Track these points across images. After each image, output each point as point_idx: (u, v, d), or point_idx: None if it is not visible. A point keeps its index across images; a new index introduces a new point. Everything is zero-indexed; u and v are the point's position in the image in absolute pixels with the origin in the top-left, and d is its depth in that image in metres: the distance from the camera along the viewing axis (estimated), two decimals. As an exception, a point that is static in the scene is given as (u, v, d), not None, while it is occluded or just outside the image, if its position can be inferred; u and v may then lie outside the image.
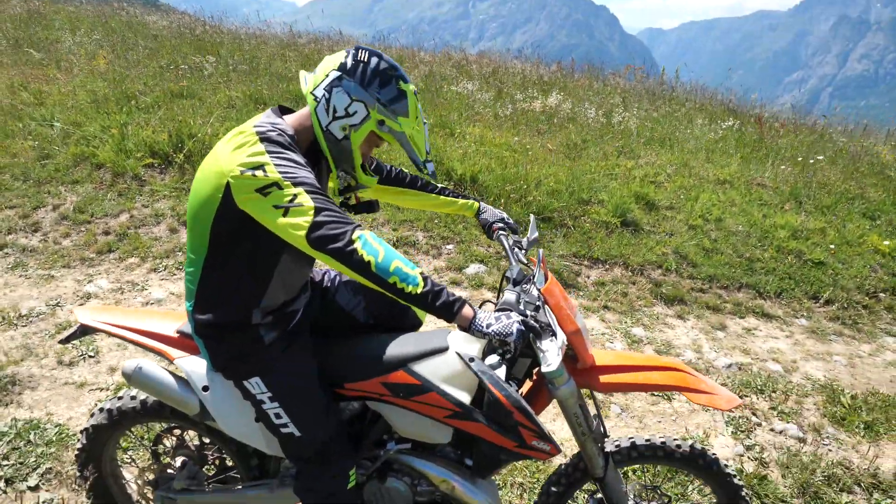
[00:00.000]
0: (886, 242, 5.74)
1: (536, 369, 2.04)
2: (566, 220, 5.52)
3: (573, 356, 1.93)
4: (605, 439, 2.10)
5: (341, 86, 1.68)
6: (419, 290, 1.55)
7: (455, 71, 10.85)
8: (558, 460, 2.86)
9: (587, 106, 9.08)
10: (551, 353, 1.64)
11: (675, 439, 2.17)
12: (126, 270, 4.53)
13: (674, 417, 3.53)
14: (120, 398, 2.16)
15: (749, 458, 3.26)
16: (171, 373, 2.01)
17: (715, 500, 2.29)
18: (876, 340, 4.76)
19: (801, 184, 7.00)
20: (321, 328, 2.06)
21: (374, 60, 1.71)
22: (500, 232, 2.28)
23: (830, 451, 3.37)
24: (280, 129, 1.68)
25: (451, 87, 9.31)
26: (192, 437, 2.32)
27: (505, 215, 2.35)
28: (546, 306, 1.83)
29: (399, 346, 1.97)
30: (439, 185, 2.33)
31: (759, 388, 3.88)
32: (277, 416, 1.82)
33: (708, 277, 5.10)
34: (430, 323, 3.33)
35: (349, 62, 1.70)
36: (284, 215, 1.53)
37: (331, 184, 1.97)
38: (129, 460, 2.61)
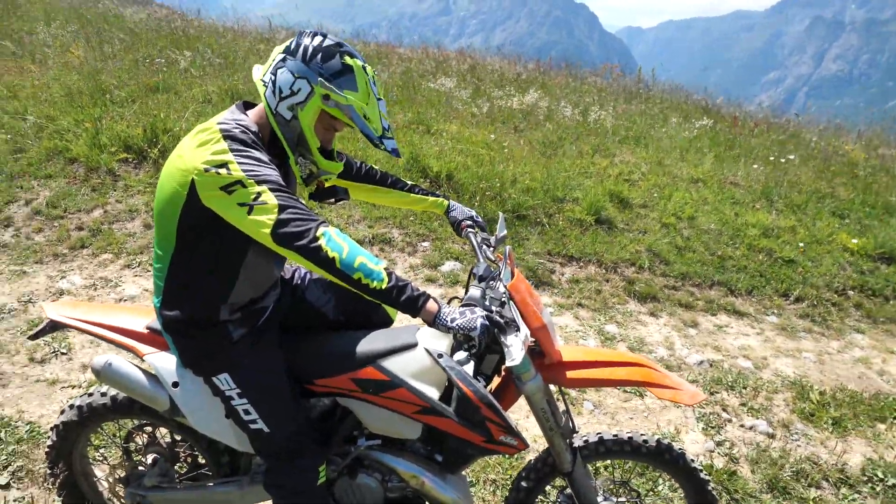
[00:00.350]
0: (855, 241, 5.87)
1: (504, 365, 2.07)
2: (541, 218, 5.57)
3: (540, 352, 1.97)
4: (574, 435, 2.14)
5: (285, 65, 1.68)
6: (384, 286, 1.57)
7: (433, 67, 10.85)
8: (530, 457, 2.90)
9: (564, 104, 9.14)
10: (515, 348, 1.67)
11: (641, 434, 2.22)
12: (99, 266, 4.49)
13: (646, 414, 3.60)
14: (90, 395, 2.15)
15: (719, 453, 3.33)
16: (141, 369, 2.01)
17: (684, 495, 2.35)
18: (844, 337, 4.88)
19: (773, 183, 7.13)
20: (291, 325, 2.07)
21: (318, 39, 1.70)
22: (469, 229, 2.31)
23: (799, 446, 3.46)
24: (243, 126, 1.68)
25: (429, 83, 9.31)
26: (163, 434, 2.32)
27: (474, 213, 2.38)
28: (511, 302, 1.86)
29: (369, 343, 1.99)
30: (409, 183, 2.35)
31: (729, 384, 3.96)
32: (246, 412, 1.83)
33: (680, 275, 5.19)
34: (401, 320, 3.36)
35: (293, 44, 1.70)
36: (249, 213, 1.55)
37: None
38: (100, 458, 2.60)
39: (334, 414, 2.10)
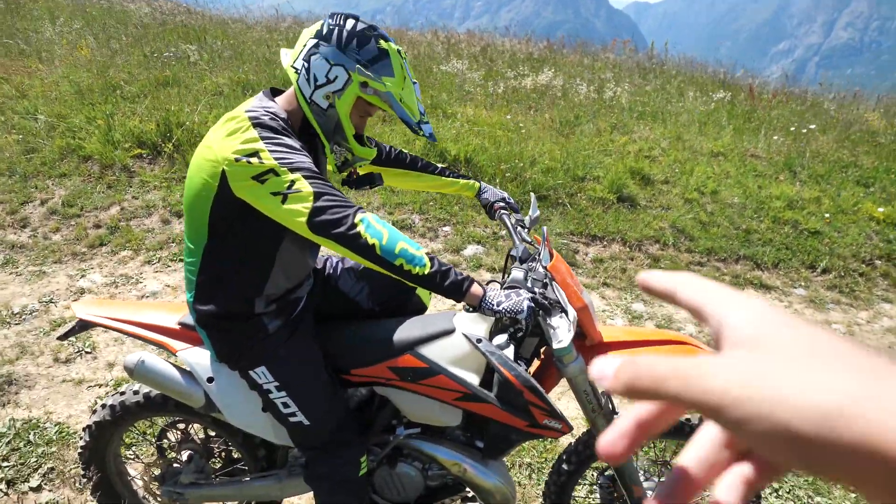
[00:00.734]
0: (881, 210, 5.74)
1: (544, 348, 2.01)
2: (562, 198, 5.48)
3: (581, 333, 1.91)
4: (615, 416, 2.08)
5: (318, 52, 1.62)
6: (427, 271, 1.51)
7: (444, 50, 10.72)
8: (566, 440, 2.85)
9: (578, 82, 9.00)
10: (562, 330, 1.61)
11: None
12: (119, 264, 4.46)
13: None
14: (122, 393, 2.12)
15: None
16: (174, 365, 1.97)
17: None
18: (873, 307, 4.77)
19: (795, 154, 6.98)
20: (324, 315, 2.03)
21: (351, 22, 1.63)
22: (502, 211, 2.24)
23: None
24: (272, 113, 1.62)
25: (441, 66, 9.20)
26: (196, 430, 2.29)
27: (506, 195, 2.31)
28: (553, 283, 1.80)
29: (405, 330, 1.93)
30: (439, 166, 2.28)
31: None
32: (285, 405, 1.78)
33: (706, 250, 5.09)
34: (434, 306, 3.30)
35: (325, 28, 1.63)
36: (283, 202, 1.49)
37: (329, 167, 1.92)
38: (132, 456, 2.57)
39: (371, 403, 2.05)
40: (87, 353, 3.48)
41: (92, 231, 4.78)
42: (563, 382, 1.95)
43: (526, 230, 2.16)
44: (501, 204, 2.25)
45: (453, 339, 1.89)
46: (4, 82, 6.81)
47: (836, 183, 6.37)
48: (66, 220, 4.87)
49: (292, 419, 1.80)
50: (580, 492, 2.70)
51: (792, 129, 7.84)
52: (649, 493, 2.16)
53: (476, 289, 1.57)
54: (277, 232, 1.65)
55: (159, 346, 1.97)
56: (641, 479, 2.19)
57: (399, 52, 1.68)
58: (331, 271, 2.09)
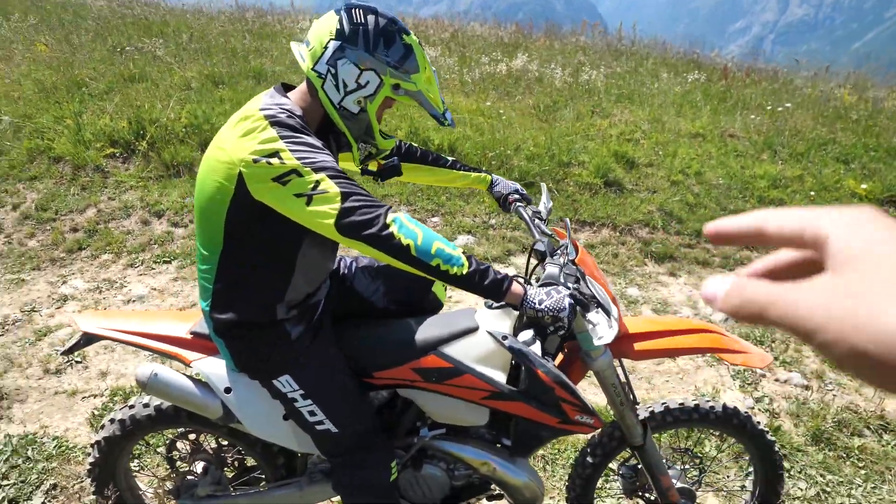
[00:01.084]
0: (864, 186, 5.83)
1: (568, 342, 1.98)
2: (549, 185, 5.45)
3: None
4: (636, 406, 2.06)
5: (345, 56, 1.54)
6: (465, 271, 1.46)
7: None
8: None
9: (553, 66, 8.96)
10: (602, 327, 1.57)
11: (707, 400, 2.16)
12: (101, 268, 4.31)
13: (680, 376, 3.54)
14: (132, 407, 2.03)
15: (760, 409, 3.29)
16: (188, 376, 1.89)
17: (748, 458, 2.29)
18: (861, 282, 4.86)
19: (774, 132, 7.05)
20: (340, 317, 1.96)
21: (372, 19, 1.56)
22: (518, 204, 2.19)
23: (836, 396, 3.43)
24: (288, 111, 1.54)
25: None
26: (208, 440, 2.21)
27: (518, 186, 2.26)
28: (587, 277, 1.76)
29: (427, 330, 1.88)
30: (450, 159, 2.22)
31: (758, 339, 3.91)
32: (311, 413, 1.72)
33: (695, 232, 5.11)
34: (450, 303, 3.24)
35: (346, 27, 1.54)
36: (308, 204, 1.42)
37: (342, 164, 1.85)
38: (143, 470, 2.48)
39: (394, 406, 2.00)
40: (77, 362, 3.35)
41: (69, 235, 4.60)
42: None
43: (544, 223, 2.12)
44: (516, 196, 2.20)
45: (478, 337, 1.85)
46: (-37, 82, 6.52)
47: (816, 161, 6.45)
48: (41, 225, 4.69)
49: (319, 427, 1.73)
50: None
51: (769, 107, 7.92)
52: (674, 481, 2.15)
53: (516, 287, 1.52)
54: (298, 234, 1.58)
55: (172, 357, 1.89)
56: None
57: (420, 44, 1.62)
58: (345, 272, 2.02)
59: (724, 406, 2.14)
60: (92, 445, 2.08)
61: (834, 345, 0.31)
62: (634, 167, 5.92)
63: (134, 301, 3.97)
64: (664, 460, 2.22)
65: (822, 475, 2.85)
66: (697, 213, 5.35)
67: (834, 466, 2.90)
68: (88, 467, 2.09)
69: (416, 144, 2.20)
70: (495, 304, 1.89)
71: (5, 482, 2.55)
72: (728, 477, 2.84)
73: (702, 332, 2.00)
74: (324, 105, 1.61)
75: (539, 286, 1.60)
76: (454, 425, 1.95)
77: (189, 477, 2.14)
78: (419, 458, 1.99)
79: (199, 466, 2.15)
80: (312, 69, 1.58)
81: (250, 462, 2.25)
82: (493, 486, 2.08)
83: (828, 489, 2.79)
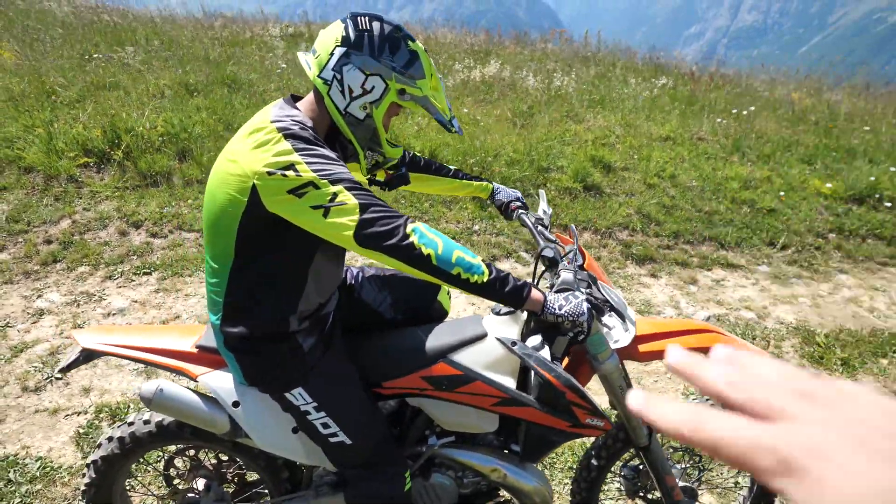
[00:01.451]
0: (829, 185, 6.02)
1: (574, 346, 2.00)
2: (529, 190, 5.50)
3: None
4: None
5: (351, 62, 1.54)
6: (485, 279, 1.46)
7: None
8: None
9: (525, 73, 9.04)
10: (617, 330, 1.58)
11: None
12: (78, 281, 4.19)
13: (669, 376, 3.59)
14: (131, 423, 1.97)
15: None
16: (194, 391, 1.85)
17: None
18: (832, 279, 5.01)
19: (741, 135, 7.24)
20: (349, 327, 1.95)
21: (377, 26, 1.56)
22: (521, 211, 2.21)
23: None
24: (300, 122, 1.53)
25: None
26: (207, 456, 2.17)
27: (519, 193, 2.28)
28: (599, 282, 1.78)
29: (435, 338, 1.88)
30: (452, 168, 2.23)
31: (739, 336, 4.00)
32: (325, 425, 1.70)
33: (672, 234, 5.21)
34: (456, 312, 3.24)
35: (352, 34, 1.54)
36: (325, 216, 1.41)
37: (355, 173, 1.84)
38: (130, 488, 2.42)
39: (403, 415, 1.99)
40: (57, 378, 3.25)
41: (43, 247, 4.47)
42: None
43: (547, 229, 2.14)
44: (518, 203, 2.22)
45: (486, 343, 1.85)
46: (-77, 92, 6.28)
47: (782, 162, 6.64)
48: (13, 237, 4.54)
49: (332, 439, 1.71)
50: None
51: (734, 111, 8.12)
52: (676, 480, 2.18)
53: (536, 294, 1.53)
54: (310, 246, 1.57)
55: (176, 371, 1.85)
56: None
57: (425, 50, 1.62)
58: (353, 282, 2.01)
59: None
60: (87, 465, 2.02)
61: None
62: (611, 171, 6.00)
63: (114, 314, 3.87)
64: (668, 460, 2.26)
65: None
66: (674, 215, 5.46)
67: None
68: (84, 488, 2.03)
69: (418, 155, 2.19)
70: (503, 310, 1.90)
71: (-10, 506, 2.46)
72: (721, 475, 2.90)
73: (702, 332, 2.03)
74: (329, 112, 1.60)
75: (555, 292, 1.61)
76: (463, 433, 1.95)
77: (190, 494, 2.10)
78: (427, 467, 1.99)
79: (199, 483, 2.11)
80: (318, 76, 1.57)
81: (251, 477, 2.22)
82: (500, 493, 2.08)
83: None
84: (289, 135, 1.47)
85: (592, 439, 2.62)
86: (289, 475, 2.07)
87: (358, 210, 1.40)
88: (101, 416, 2.99)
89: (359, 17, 1.57)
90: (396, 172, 1.89)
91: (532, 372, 1.81)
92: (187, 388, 1.86)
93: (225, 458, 2.15)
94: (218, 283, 1.61)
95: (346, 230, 1.40)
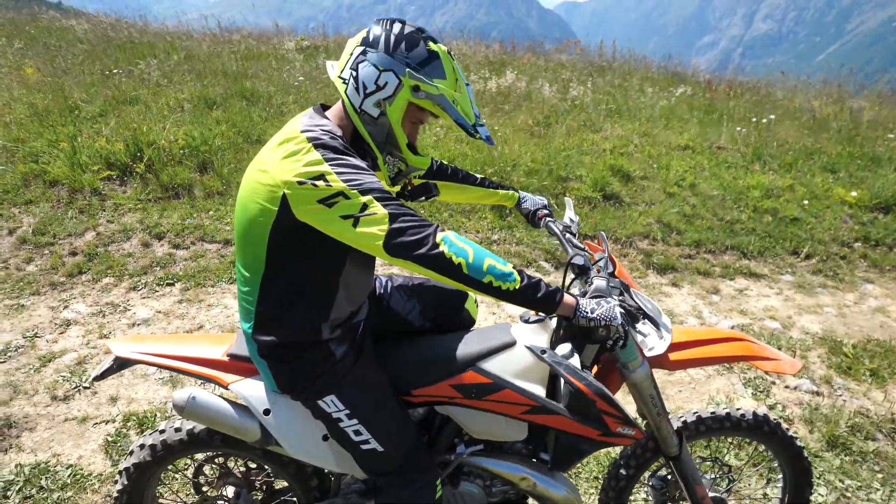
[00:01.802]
0: (853, 194, 5.95)
1: (603, 354, 1.99)
2: (549, 200, 5.50)
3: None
4: (668, 414, 2.07)
5: (366, 59, 1.55)
6: (518, 286, 1.46)
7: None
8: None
9: (541, 83, 9.07)
10: (652, 337, 1.58)
11: (738, 409, 2.17)
12: (103, 292, 4.25)
13: (693, 386, 3.56)
14: (162, 431, 1.99)
15: (773, 417, 3.31)
16: (225, 399, 1.86)
17: (774, 465, 2.31)
18: (858, 289, 4.94)
19: (761, 144, 7.19)
20: (378, 336, 1.95)
21: (397, 26, 1.57)
22: (548, 219, 2.20)
23: (845, 401, 3.47)
24: (330, 132, 1.54)
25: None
26: (236, 463, 2.18)
27: (545, 201, 2.28)
28: (631, 289, 1.77)
29: (464, 346, 1.88)
30: (479, 176, 2.23)
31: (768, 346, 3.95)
32: (357, 432, 1.70)
33: (694, 243, 5.18)
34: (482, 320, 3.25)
35: (371, 35, 1.56)
36: (356, 225, 1.41)
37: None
38: (159, 496, 2.43)
39: (432, 423, 1.99)
40: (85, 388, 3.29)
41: (69, 259, 4.54)
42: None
43: (575, 237, 2.13)
44: (545, 212, 2.22)
45: (516, 351, 1.84)
46: (-48, 107, 6.43)
47: (805, 170, 6.58)
48: (39, 249, 4.61)
49: (364, 447, 1.72)
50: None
51: (753, 119, 8.07)
52: (706, 490, 2.16)
53: (568, 299, 1.52)
54: (341, 254, 1.58)
55: (208, 379, 1.86)
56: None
57: (449, 53, 1.62)
58: (382, 291, 2.02)
59: (755, 413, 2.16)
60: (119, 472, 2.03)
61: None
62: (630, 180, 5.99)
63: (139, 324, 3.91)
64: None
65: (840, 480, 2.87)
66: (695, 224, 5.43)
67: (851, 471, 2.93)
68: (116, 495, 2.05)
69: (445, 163, 2.20)
70: (532, 318, 1.89)
71: (22, 514, 2.49)
72: (750, 485, 2.86)
73: (733, 340, 2.02)
74: (347, 111, 1.60)
75: (588, 298, 1.61)
76: (491, 441, 1.95)
77: (219, 502, 2.11)
78: (456, 475, 1.98)
79: (229, 490, 2.12)
80: (339, 76, 1.59)
81: (279, 485, 2.22)
82: (529, 501, 2.07)
83: (847, 494, 2.81)
84: (319, 144, 1.48)
85: (619, 448, 2.60)
86: (318, 483, 2.07)
87: (387, 220, 1.40)
88: (129, 424, 3.01)
89: (382, 20, 1.59)
90: (422, 183, 1.89)
91: (561, 380, 1.80)
92: (220, 395, 1.87)
93: (254, 465, 2.15)
94: (249, 292, 1.63)
95: (376, 240, 1.40)
